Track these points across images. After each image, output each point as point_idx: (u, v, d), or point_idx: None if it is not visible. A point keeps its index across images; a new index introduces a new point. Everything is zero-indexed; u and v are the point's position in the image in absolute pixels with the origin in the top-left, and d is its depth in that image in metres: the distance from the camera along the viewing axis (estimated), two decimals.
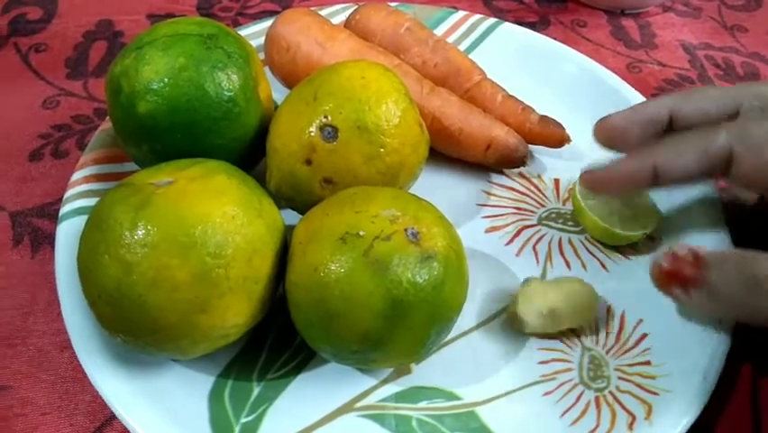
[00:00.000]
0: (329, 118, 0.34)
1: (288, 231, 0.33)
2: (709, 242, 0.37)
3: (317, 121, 0.34)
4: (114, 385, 0.31)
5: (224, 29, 0.37)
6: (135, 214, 0.28)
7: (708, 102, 0.35)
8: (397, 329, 0.29)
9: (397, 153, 0.35)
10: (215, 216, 0.29)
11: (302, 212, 0.36)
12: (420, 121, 0.37)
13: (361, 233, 0.29)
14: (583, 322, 0.35)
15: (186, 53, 0.34)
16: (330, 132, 0.34)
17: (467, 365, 0.35)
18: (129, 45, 0.36)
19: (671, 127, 0.35)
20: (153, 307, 0.28)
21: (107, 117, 0.42)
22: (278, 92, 0.41)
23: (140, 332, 0.29)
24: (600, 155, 0.41)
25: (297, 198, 0.36)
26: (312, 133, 0.34)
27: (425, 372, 0.34)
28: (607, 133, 0.36)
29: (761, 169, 0.32)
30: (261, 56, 0.44)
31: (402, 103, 0.35)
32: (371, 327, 0.29)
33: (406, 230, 0.30)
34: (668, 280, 0.32)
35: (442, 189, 0.40)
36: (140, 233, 0.28)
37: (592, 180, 0.36)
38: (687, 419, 0.31)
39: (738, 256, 0.30)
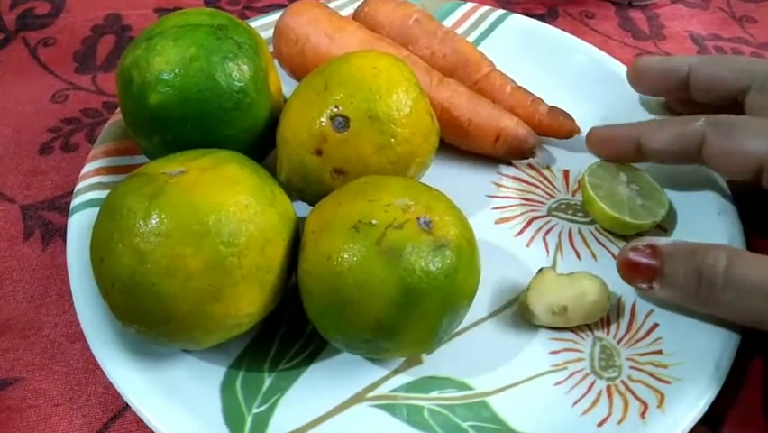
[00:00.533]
0: (340, 108, 0.34)
1: (300, 222, 0.33)
2: (720, 230, 0.37)
3: (328, 111, 0.34)
4: (127, 376, 0.32)
5: (233, 20, 0.37)
6: (149, 203, 0.28)
7: (726, 71, 0.38)
8: (410, 317, 0.29)
9: (407, 143, 0.35)
10: (229, 205, 0.29)
11: (312, 203, 0.36)
12: (430, 111, 0.37)
13: (374, 221, 0.29)
14: (594, 320, 0.35)
15: (196, 44, 0.34)
16: (341, 121, 0.34)
17: (478, 355, 0.35)
18: (139, 36, 0.36)
19: (687, 86, 0.39)
20: (167, 295, 0.28)
21: (117, 110, 0.42)
22: (287, 84, 0.41)
23: (153, 321, 0.29)
24: None
25: (307, 189, 0.36)
26: (323, 123, 0.34)
27: (437, 362, 0.34)
28: (635, 72, 0.42)
29: (727, 153, 0.34)
30: (270, 49, 0.44)
31: (413, 92, 0.35)
32: (384, 315, 0.29)
33: (418, 219, 0.30)
34: (631, 272, 0.33)
35: (451, 181, 0.40)
36: (153, 222, 0.28)
37: (595, 136, 0.40)
38: (700, 407, 0.31)
39: (689, 248, 0.32)
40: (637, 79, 0.42)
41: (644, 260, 0.32)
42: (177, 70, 0.34)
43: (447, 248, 0.29)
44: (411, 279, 0.28)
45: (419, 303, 0.29)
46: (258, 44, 0.37)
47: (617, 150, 0.39)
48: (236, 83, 0.35)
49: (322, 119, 0.34)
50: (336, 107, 0.34)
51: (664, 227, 0.39)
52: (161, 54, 0.34)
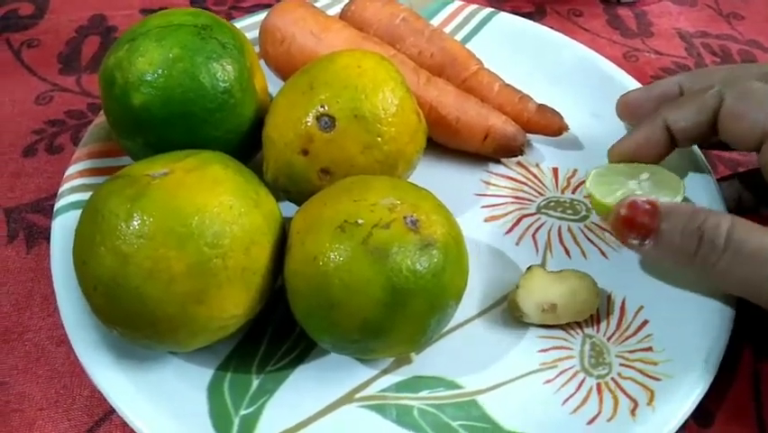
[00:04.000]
0: (326, 108, 0.34)
1: (286, 223, 0.33)
2: None
3: (314, 110, 0.34)
4: (113, 379, 0.31)
5: (217, 19, 0.37)
6: (131, 205, 0.28)
7: (715, 79, 0.37)
8: (398, 317, 0.29)
9: (394, 142, 0.35)
10: (212, 207, 0.28)
11: (299, 203, 0.36)
12: (417, 110, 0.37)
13: (360, 221, 0.29)
14: (583, 317, 0.35)
15: (180, 44, 0.34)
16: (327, 121, 0.34)
17: (467, 354, 0.34)
18: (122, 37, 0.36)
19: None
20: (150, 298, 0.28)
21: (101, 112, 0.42)
22: (273, 84, 0.41)
23: (137, 324, 0.29)
24: (598, 144, 0.41)
25: (293, 189, 0.35)
26: (308, 123, 0.34)
27: (426, 361, 0.34)
28: (626, 108, 0.41)
29: (739, 116, 0.34)
30: (256, 49, 0.44)
31: (399, 91, 0.35)
32: (371, 316, 0.28)
33: (405, 218, 0.29)
34: (625, 227, 0.32)
35: (440, 180, 0.39)
36: (135, 224, 0.27)
37: (619, 153, 0.38)
38: (690, 404, 0.31)
39: (691, 209, 0.32)
40: (632, 115, 0.41)
41: (641, 215, 0.32)
42: (160, 71, 0.34)
43: (434, 247, 0.29)
44: (398, 279, 0.28)
45: (406, 303, 0.28)
46: (242, 44, 0.37)
47: (654, 145, 0.37)
48: (221, 84, 0.35)
49: (308, 119, 0.34)
50: (322, 107, 0.34)
51: None
52: (144, 55, 0.34)
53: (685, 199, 0.37)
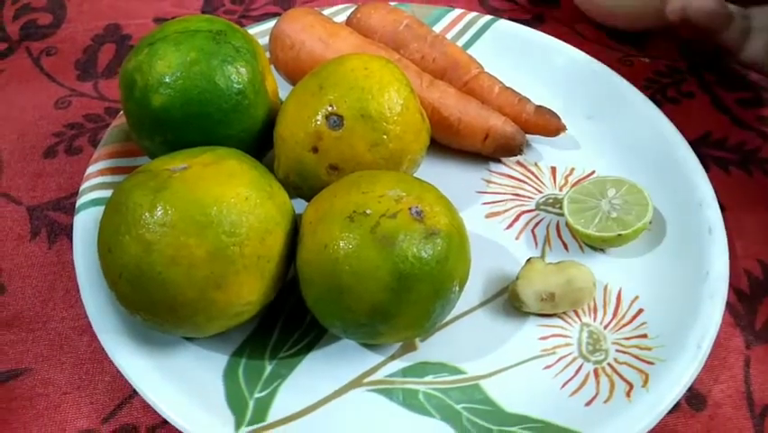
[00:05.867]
0: (334, 107, 0.35)
1: (297, 216, 0.34)
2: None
3: (323, 110, 0.36)
4: (134, 363, 0.33)
5: (231, 25, 0.39)
6: (154, 196, 0.30)
7: None
8: (404, 302, 0.30)
9: (399, 140, 0.36)
10: (230, 197, 0.30)
11: (308, 199, 0.38)
12: (421, 110, 0.39)
13: (368, 211, 0.31)
14: (581, 306, 0.37)
15: (196, 48, 0.36)
16: (335, 120, 0.35)
17: (470, 342, 0.36)
18: (141, 42, 0.38)
19: None
20: (172, 283, 0.29)
21: (119, 114, 0.44)
22: (283, 89, 0.43)
23: (159, 309, 0.30)
24: (593, 143, 0.43)
25: (304, 185, 0.37)
26: (318, 122, 0.36)
27: (431, 348, 0.36)
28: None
29: None
30: (267, 55, 0.46)
31: (404, 92, 0.37)
32: (379, 300, 0.30)
33: (410, 209, 0.31)
34: None
35: (443, 178, 0.41)
36: (158, 213, 0.29)
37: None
38: (682, 384, 0.32)
39: None
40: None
41: None
42: (178, 73, 0.35)
43: (438, 236, 0.31)
44: (404, 265, 0.30)
45: (412, 288, 0.30)
46: (255, 48, 0.39)
47: None
48: (235, 85, 0.36)
49: (317, 118, 0.36)
50: (331, 106, 0.36)
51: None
52: (163, 58, 0.36)
53: (655, 210, 0.39)
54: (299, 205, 0.37)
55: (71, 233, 0.38)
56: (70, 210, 0.42)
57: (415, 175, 0.39)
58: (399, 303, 0.30)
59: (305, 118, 0.36)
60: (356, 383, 0.34)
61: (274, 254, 0.32)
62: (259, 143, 0.39)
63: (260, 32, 0.50)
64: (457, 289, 0.32)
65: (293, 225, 0.33)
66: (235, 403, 0.33)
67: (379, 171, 0.34)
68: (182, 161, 0.32)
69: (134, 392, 0.34)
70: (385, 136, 0.36)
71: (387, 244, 0.30)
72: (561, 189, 0.43)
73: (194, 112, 0.36)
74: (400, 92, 0.37)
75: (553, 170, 0.44)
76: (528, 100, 0.45)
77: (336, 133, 0.35)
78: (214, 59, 0.36)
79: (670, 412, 0.33)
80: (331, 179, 0.36)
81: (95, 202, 0.39)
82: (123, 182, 0.32)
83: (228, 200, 0.30)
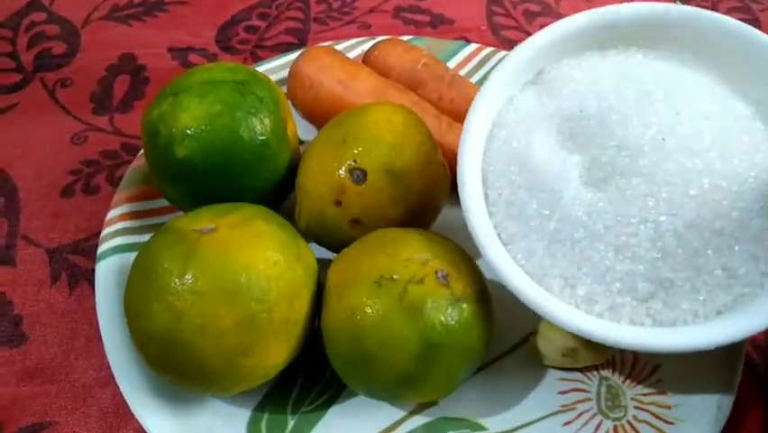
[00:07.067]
0: (358, 162, 0.36)
1: (319, 271, 0.35)
2: None
3: (347, 164, 0.36)
4: (159, 420, 0.33)
5: (254, 74, 0.39)
6: (184, 263, 0.30)
7: None
8: (430, 369, 0.31)
9: (422, 194, 0.37)
10: (258, 263, 0.30)
11: (329, 247, 0.38)
12: (443, 161, 0.39)
13: (395, 276, 0.31)
14: (601, 361, 0.37)
15: (221, 100, 0.36)
16: (359, 175, 0.35)
17: (491, 395, 0.36)
18: (164, 90, 0.38)
19: None
20: (201, 351, 0.29)
21: (138, 154, 0.44)
22: (300, 124, 0.43)
23: (187, 374, 0.30)
24: None
25: (326, 237, 0.37)
26: (342, 176, 0.36)
27: (451, 403, 0.36)
28: None
29: None
30: (284, 89, 0.46)
31: (426, 146, 0.37)
32: (406, 369, 0.30)
33: (436, 272, 0.31)
34: None
35: (462, 223, 0.41)
36: (188, 281, 0.29)
37: None
38: None
39: None
40: None
41: None
42: (203, 126, 0.36)
43: (464, 301, 0.31)
44: (432, 334, 0.30)
45: (439, 356, 0.30)
46: (277, 96, 0.39)
47: None
48: (259, 137, 0.37)
49: (341, 172, 0.36)
50: (354, 161, 0.36)
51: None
52: (187, 110, 0.36)
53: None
54: (317, 249, 0.37)
55: (91, 278, 0.38)
56: (89, 253, 0.42)
57: (436, 218, 0.40)
58: (426, 371, 0.31)
59: (329, 171, 0.36)
60: None
61: (301, 317, 0.32)
62: (281, 190, 0.39)
63: (276, 66, 0.50)
64: (482, 352, 0.33)
65: (317, 284, 0.34)
66: None
67: (403, 231, 0.34)
68: (209, 220, 0.32)
69: None
70: (407, 191, 0.36)
71: (415, 313, 0.30)
72: None
73: (217, 163, 0.36)
74: (423, 146, 0.37)
75: None
76: None
77: (359, 188, 0.36)
78: (239, 111, 0.36)
79: None
80: (353, 233, 0.36)
81: (116, 249, 0.39)
82: (149, 242, 0.32)
83: (257, 267, 0.30)
